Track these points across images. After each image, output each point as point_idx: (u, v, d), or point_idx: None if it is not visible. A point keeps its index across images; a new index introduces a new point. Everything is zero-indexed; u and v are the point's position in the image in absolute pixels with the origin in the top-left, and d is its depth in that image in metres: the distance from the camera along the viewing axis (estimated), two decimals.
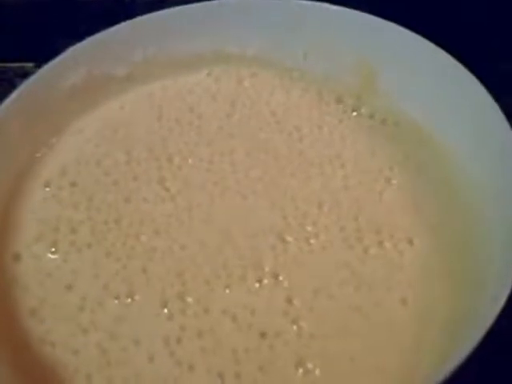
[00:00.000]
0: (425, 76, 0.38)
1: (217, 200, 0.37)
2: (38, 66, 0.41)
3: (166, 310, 0.32)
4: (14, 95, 0.38)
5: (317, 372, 0.30)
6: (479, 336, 0.26)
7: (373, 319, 0.32)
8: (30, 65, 0.52)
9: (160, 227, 0.36)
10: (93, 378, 0.31)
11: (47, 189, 0.38)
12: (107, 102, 0.42)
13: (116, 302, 0.33)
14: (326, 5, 0.41)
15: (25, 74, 0.43)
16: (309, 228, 0.35)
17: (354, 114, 0.41)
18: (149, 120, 0.42)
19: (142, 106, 0.42)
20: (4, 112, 0.37)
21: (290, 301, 0.32)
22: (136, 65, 0.43)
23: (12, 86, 0.39)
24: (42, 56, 0.41)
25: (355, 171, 0.38)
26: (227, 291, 0.33)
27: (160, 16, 0.42)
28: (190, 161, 0.39)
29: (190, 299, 0.33)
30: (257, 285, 0.33)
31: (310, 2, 0.42)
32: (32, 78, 0.39)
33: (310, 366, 0.30)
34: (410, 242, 0.34)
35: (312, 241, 0.34)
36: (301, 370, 0.30)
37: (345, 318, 0.32)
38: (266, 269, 0.33)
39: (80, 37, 0.42)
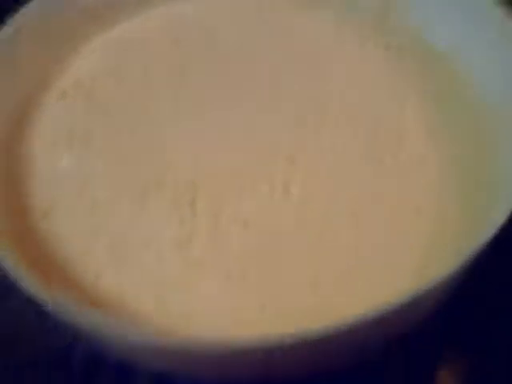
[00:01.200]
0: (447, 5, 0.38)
1: (232, 113, 0.36)
2: None
3: (177, 215, 0.32)
4: (25, 10, 0.38)
5: (329, 285, 0.30)
6: (487, 237, 0.26)
7: (386, 228, 0.31)
8: None
9: (175, 139, 0.35)
10: (101, 278, 0.31)
11: (62, 100, 0.38)
12: (122, 22, 0.42)
13: (128, 206, 0.33)
14: None
15: None
16: (324, 142, 0.35)
17: (372, 41, 0.40)
18: (165, 40, 0.41)
19: (158, 26, 0.42)
20: (17, 26, 0.37)
21: (301, 210, 0.32)
22: None
23: None
24: None
25: (372, 94, 0.37)
26: (239, 199, 0.33)
27: None
28: (206, 76, 0.38)
29: (201, 205, 0.32)
30: (269, 194, 0.33)
31: None
32: None
33: (322, 281, 0.30)
34: (425, 157, 0.34)
35: (326, 154, 0.34)
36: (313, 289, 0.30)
37: (358, 227, 0.31)
38: (279, 180, 0.33)
39: None
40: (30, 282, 0.27)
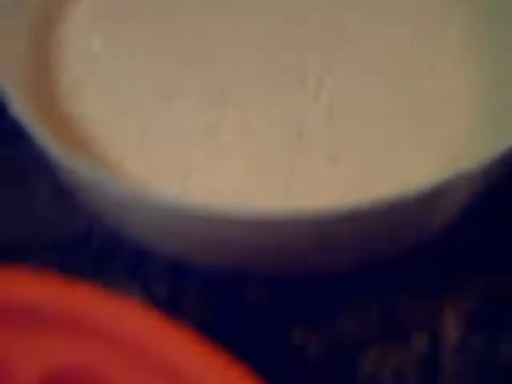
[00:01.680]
0: None
1: (264, 18, 0.35)
2: None
3: (205, 105, 0.32)
4: None
5: (352, 163, 0.30)
6: None
7: (417, 119, 0.32)
8: None
9: (207, 37, 0.35)
10: (125, 159, 0.31)
11: None
12: None
13: (155, 95, 0.33)
14: None
15: None
16: (361, 44, 0.34)
17: None
18: None
19: None
20: None
21: (331, 108, 0.32)
22: None
23: None
24: None
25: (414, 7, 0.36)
26: (269, 94, 0.32)
27: None
28: None
29: (230, 98, 0.32)
30: (300, 89, 0.33)
31: None
32: None
33: (345, 158, 0.30)
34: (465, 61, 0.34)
35: (362, 62, 0.34)
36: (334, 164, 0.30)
37: (387, 119, 0.32)
38: (311, 76, 0.33)
39: None
40: (56, 147, 0.27)
